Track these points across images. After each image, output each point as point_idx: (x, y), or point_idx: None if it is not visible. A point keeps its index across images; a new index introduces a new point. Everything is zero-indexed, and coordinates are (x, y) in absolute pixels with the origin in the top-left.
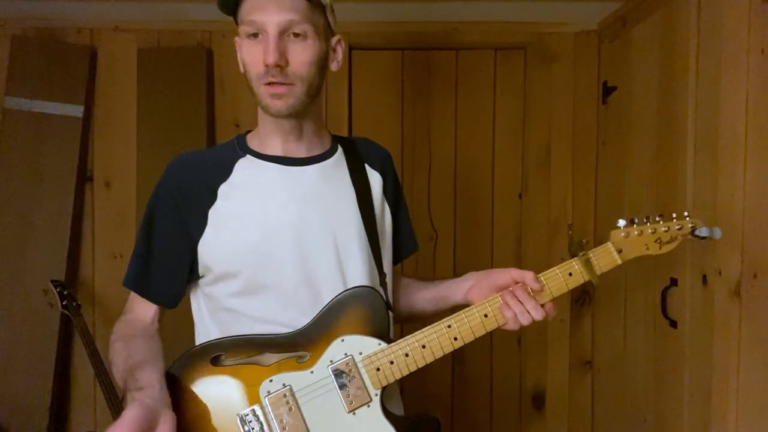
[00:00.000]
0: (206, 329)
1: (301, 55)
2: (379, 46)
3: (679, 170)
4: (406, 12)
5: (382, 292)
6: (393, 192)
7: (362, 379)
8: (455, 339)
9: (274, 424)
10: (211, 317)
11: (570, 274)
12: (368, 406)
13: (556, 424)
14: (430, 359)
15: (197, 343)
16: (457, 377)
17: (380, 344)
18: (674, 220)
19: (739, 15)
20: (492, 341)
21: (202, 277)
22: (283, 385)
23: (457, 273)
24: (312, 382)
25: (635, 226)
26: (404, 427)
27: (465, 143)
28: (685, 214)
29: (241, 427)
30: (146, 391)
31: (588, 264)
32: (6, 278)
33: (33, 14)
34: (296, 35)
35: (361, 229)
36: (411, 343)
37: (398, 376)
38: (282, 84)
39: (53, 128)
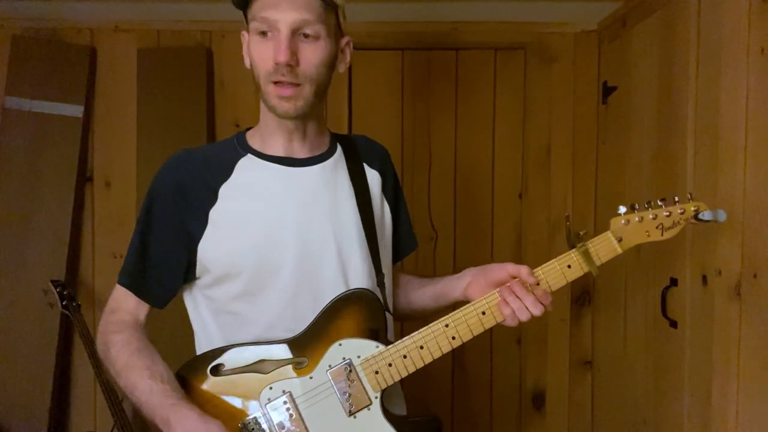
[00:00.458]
0: (207, 331)
1: (312, 56)
2: (379, 46)
3: (678, 170)
4: (406, 12)
5: (379, 293)
6: (392, 190)
7: (361, 382)
8: (453, 338)
9: (276, 431)
10: (212, 319)
11: (569, 266)
12: (368, 409)
13: (556, 424)
14: (428, 360)
15: (197, 343)
16: (457, 377)
17: (378, 347)
18: (677, 204)
19: (739, 15)
20: (492, 341)
21: (199, 278)
22: (283, 391)
23: (457, 273)
24: (312, 387)
25: (636, 212)
26: (405, 429)
27: (465, 143)
28: (689, 196)
29: None
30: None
31: (587, 255)
32: (6, 278)
33: (33, 14)
34: (307, 35)
35: (360, 230)
36: (409, 344)
37: (397, 378)
38: (291, 84)
39: (53, 128)
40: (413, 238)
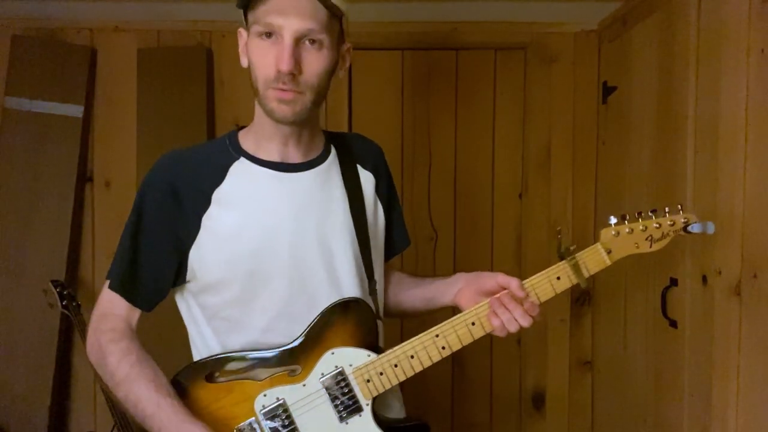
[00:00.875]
0: (202, 335)
1: (315, 65)
2: (379, 46)
3: (679, 170)
4: (406, 12)
5: (370, 301)
6: (385, 189)
7: (353, 390)
8: (443, 348)
9: None
10: (206, 323)
11: (558, 278)
12: (360, 416)
13: (556, 424)
14: (419, 369)
15: (192, 345)
16: (457, 377)
17: (369, 356)
18: (667, 216)
19: (739, 15)
20: (492, 341)
21: (189, 282)
22: (277, 398)
23: (449, 277)
24: (305, 395)
25: (626, 223)
26: None
27: (465, 143)
28: (679, 207)
29: None
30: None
31: (576, 267)
32: (6, 278)
33: (33, 14)
34: (312, 42)
35: (353, 237)
36: (399, 354)
37: (388, 385)
38: (291, 91)
39: (53, 128)
40: (406, 236)
